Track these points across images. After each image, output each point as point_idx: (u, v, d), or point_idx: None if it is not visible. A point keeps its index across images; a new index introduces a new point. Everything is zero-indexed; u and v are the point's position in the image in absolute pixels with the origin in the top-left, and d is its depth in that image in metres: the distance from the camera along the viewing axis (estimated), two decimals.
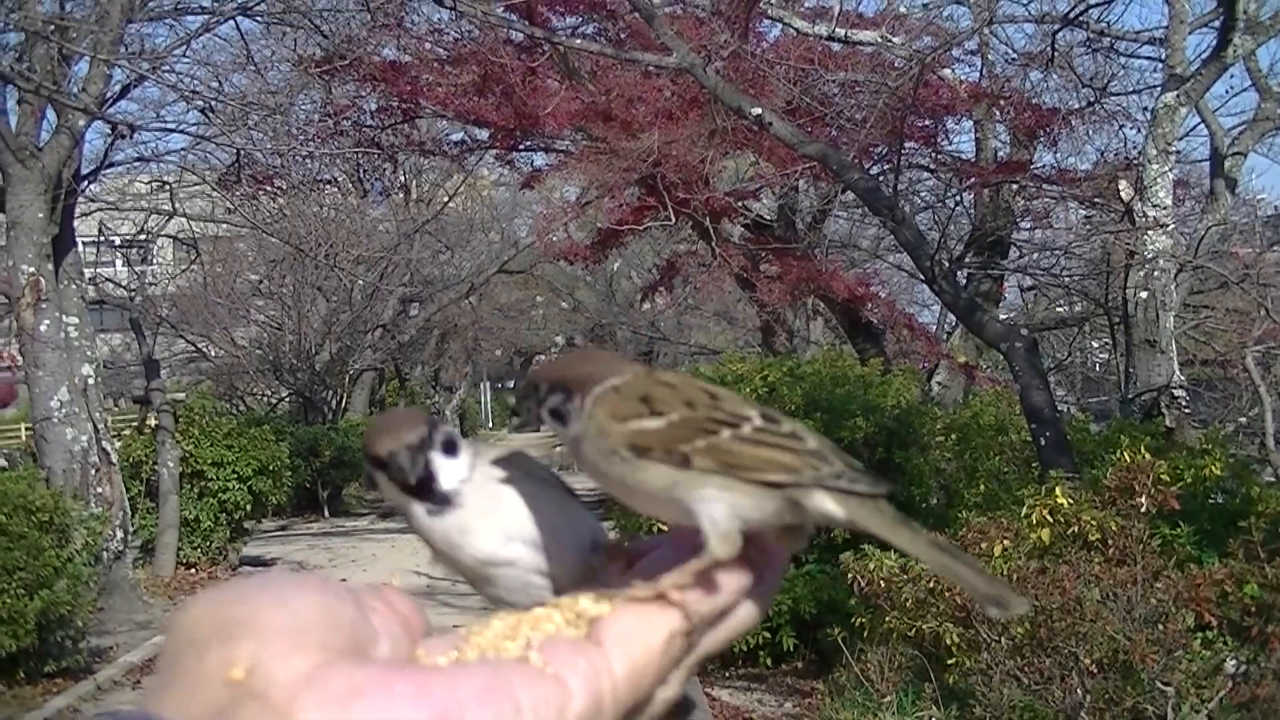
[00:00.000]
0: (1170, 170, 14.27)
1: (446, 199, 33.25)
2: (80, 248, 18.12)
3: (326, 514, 28.41)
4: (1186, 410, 13.59)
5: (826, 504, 1.11)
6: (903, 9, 19.26)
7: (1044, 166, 20.38)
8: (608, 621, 1.02)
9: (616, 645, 1.00)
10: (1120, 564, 7.54)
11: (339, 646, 0.90)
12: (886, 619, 8.65)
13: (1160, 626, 6.93)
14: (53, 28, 15.33)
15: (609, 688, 0.96)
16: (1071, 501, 8.34)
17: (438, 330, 37.87)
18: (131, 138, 17.46)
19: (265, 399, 32.44)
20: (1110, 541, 7.86)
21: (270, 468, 20.47)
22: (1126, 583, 7.22)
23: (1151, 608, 7.05)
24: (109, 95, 16.81)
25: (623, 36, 19.98)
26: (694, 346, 41.42)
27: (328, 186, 27.51)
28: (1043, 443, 11.51)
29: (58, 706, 11.45)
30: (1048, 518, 8.26)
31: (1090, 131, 19.71)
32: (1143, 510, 7.99)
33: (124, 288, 27.14)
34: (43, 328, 15.45)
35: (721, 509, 1.09)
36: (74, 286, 16.54)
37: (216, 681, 0.87)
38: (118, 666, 13.02)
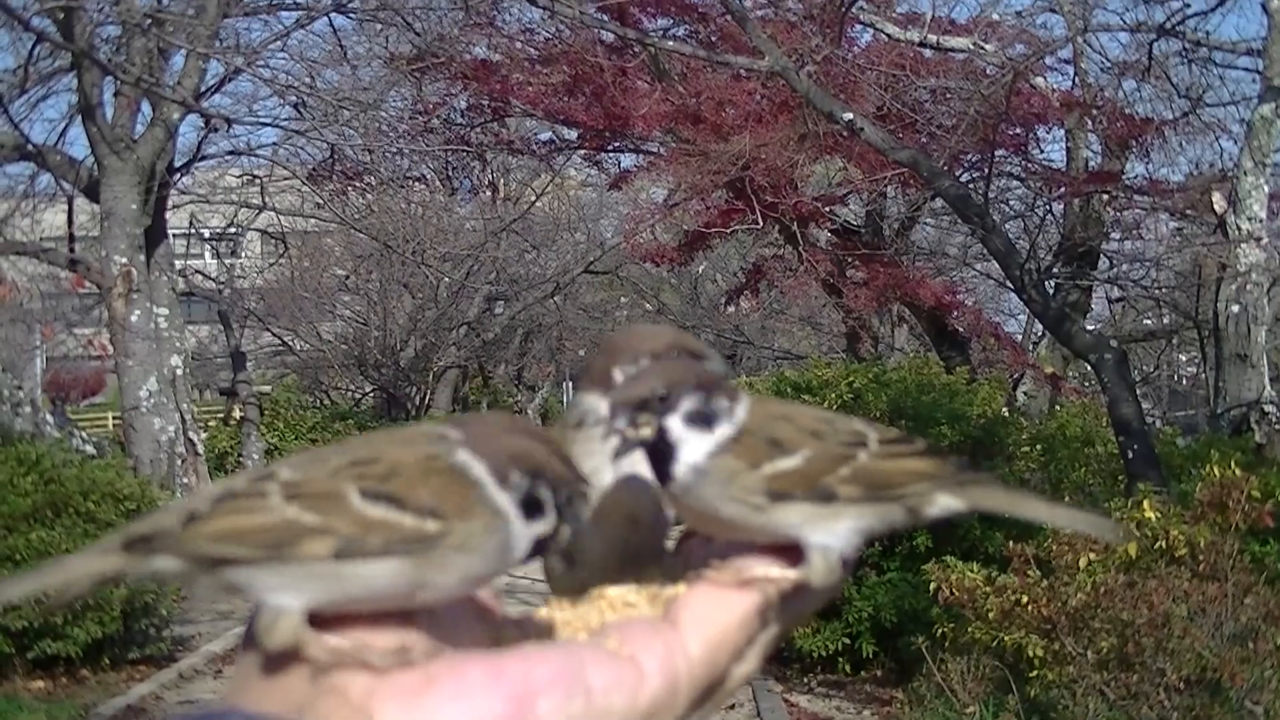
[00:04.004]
0: (1265, 183, 14.12)
1: (534, 198, 33.21)
2: (171, 239, 18.38)
3: None
4: (1277, 426, 13.43)
5: (947, 501, 1.11)
6: (996, 16, 19.18)
7: (1136, 177, 20.23)
8: (684, 601, 1.02)
9: (692, 625, 1.00)
10: (1209, 580, 7.44)
11: (417, 640, 0.91)
12: (969, 629, 8.59)
13: (1250, 644, 6.85)
14: (151, 21, 15.53)
15: (685, 669, 0.97)
16: (1159, 515, 8.24)
17: (522, 329, 37.92)
18: (226, 131, 17.70)
19: (350, 394, 32.64)
20: (1200, 557, 7.76)
21: None
22: (1215, 599, 7.13)
23: (1241, 625, 6.97)
24: (204, 89, 17.02)
25: (714, 39, 19.95)
26: (778, 351, 41.24)
27: (416, 183, 27.67)
28: (1130, 455, 11.40)
29: (140, 693, 11.57)
30: (1135, 531, 8.15)
31: (1184, 142, 19.53)
32: (1234, 526, 7.88)
33: (213, 280, 27.52)
34: (134, 318, 15.66)
35: (841, 540, 1.06)
36: (165, 278, 16.77)
37: (296, 677, 0.89)
38: (200, 655, 13.16)
